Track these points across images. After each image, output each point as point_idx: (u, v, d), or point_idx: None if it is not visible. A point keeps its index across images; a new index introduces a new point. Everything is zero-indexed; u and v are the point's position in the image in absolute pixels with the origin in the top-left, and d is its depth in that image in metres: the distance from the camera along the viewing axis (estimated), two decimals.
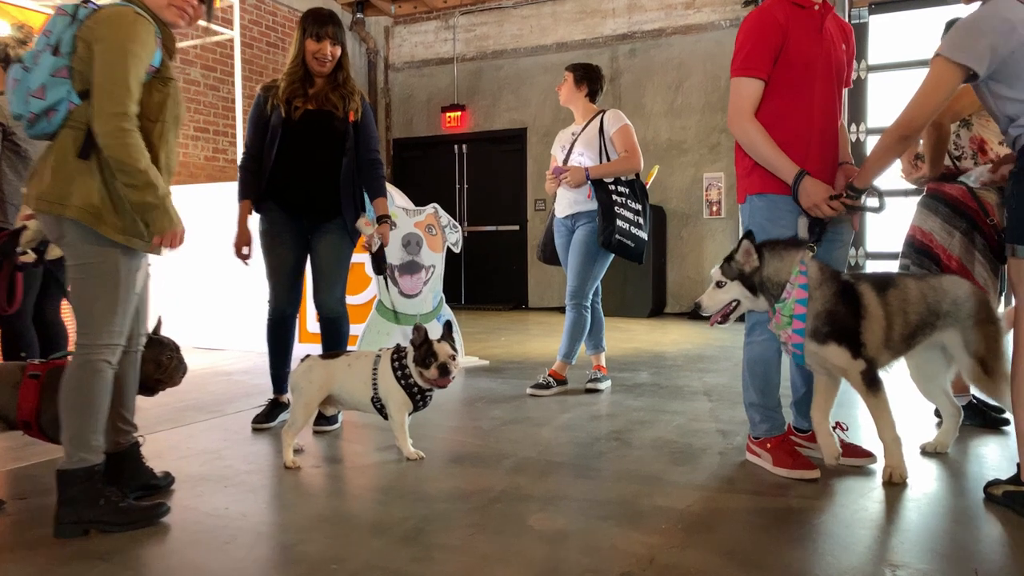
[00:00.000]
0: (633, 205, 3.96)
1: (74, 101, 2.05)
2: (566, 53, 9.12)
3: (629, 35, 9.01)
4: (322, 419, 3.23)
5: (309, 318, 5.13)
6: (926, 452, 2.84)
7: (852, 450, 2.69)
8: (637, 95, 8.93)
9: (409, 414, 2.81)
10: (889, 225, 6.35)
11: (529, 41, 9.55)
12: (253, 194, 3.27)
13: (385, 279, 3.54)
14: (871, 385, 2.46)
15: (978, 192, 3.09)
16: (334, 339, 3.31)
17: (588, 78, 4.11)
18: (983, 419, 3.23)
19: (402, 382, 2.74)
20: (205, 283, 5.81)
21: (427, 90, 10.20)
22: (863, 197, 2.47)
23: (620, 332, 6.85)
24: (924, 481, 2.52)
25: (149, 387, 2.55)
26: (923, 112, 2.27)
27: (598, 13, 9.16)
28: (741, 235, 2.51)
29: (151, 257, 2.28)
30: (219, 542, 2.04)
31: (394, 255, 4.77)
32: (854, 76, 2.94)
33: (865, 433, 3.03)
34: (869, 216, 2.61)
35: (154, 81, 2.13)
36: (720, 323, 2.55)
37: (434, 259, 5.03)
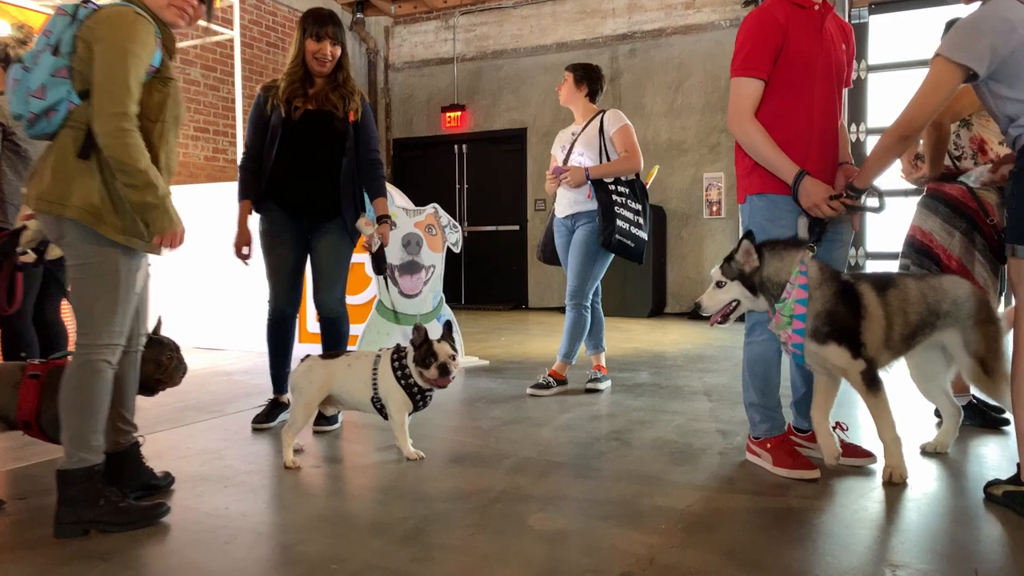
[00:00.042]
0: (633, 205, 3.96)
1: (74, 101, 2.05)
2: (566, 53, 9.12)
3: (629, 35, 9.01)
4: (322, 419, 3.23)
5: (309, 318, 5.13)
6: (926, 452, 2.83)
7: (852, 450, 2.69)
8: (637, 95, 8.92)
9: (409, 414, 2.81)
10: (889, 225, 6.35)
11: (529, 41, 9.55)
12: (253, 194, 3.27)
13: (385, 279, 3.54)
14: (871, 385, 2.46)
15: (978, 192, 3.09)
16: (334, 339, 3.31)
17: (588, 78, 4.11)
18: (983, 419, 3.23)
19: (402, 382, 2.74)
20: (205, 283, 5.81)
21: (427, 90, 10.20)
22: (863, 197, 2.47)
23: (620, 332, 6.85)
24: (924, 481, 2.52)
25: (149, 387, 2.55)
26: (923, 112, 2.27)
27: (598, 13, 9.16)
28: (741, 235, 2.51)
29: (151, 257, 2.28)
30: (219, 542, 2.04)
31: (394, 255, 4.77)
32: (854, 76, 2.94)
33: (865, 433, 3.03)
34: (869, 216, 2.61)
35: (154, 81, 2.13)
36: (720, 323, 2.55)
37: (434, 259, 5.04)
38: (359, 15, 9.72)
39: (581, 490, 2.45)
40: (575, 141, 4.08)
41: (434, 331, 2.80)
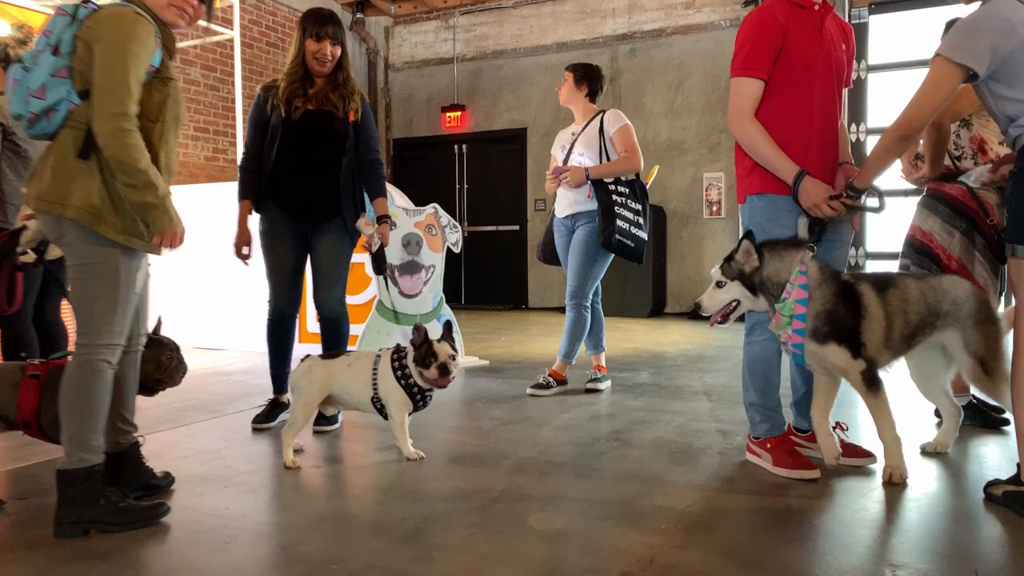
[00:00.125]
0: (633, 205, 3.95)
1: (74, 101, 2.05)
2: (566, 53, 9.12)
3: (629, 35, 9.01)
4: (322, 419, 3.23)
5: (309, 318, 5.13)
6: (926, 452, 2.83)
7: (852, 450, 2.69)
8: (637, 95, 8.92)
9: (409, 414, 2.81)
10: (889, 225, 6.35)
11: (529, 41, 9.55)
12: (253, 194, 3.27)
13: (385, 279, 3.54)
14: (871, 385, 2.46)
15: (978, 192, 3.09)
16: (334, 339, 3.31)
17: (588, 78, 4.10)
18: (983, 419, 3.23)
19: (402, 382, 2.73)
20: (205, 283, 5.81)
21: (427, 90, 10.20)
22: (863, 197, 2.47)
23: (620, 332, 6.85)
24: (924, 481, 2.52)
25: (149, 387, 2.55)
26: (923, 112, 2.27)
27: (598, 13, 9.16)
28: (741, 235, 2.51)
29: (151, 257, 2.28)
30: (219, 542, 2.04)
31: (394, 255, 4.77)
32: (854, 76, 2.94)
33: (865, 433, 3.03)
34: (869, 216, 2.61)
35: (154, 81, 2.13)
36: (720, 323, 2.55)
37: (434, 259, 5.03)
38: (359, 15, 9.72)
39: (581, 490, 2.45)
40: (575, 141, 4.08)
41: (434, 331, 2.80)
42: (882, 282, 2.54)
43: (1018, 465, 2.26)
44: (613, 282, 7.57)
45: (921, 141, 3.18)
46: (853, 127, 7.89)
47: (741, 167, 2.70)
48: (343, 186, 3.25)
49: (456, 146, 10.09)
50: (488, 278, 9.91)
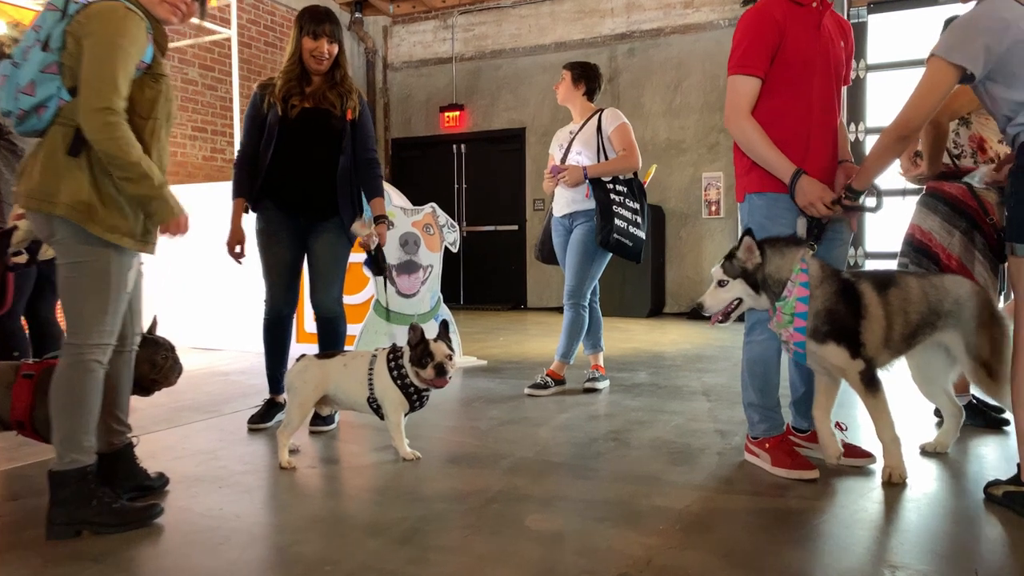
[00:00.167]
0: (631, 204, 3.94)
1: (64, 97, 2.03)
2: (565, 53, 9.11)
3: (628, 35, 9.00)
4: (318, 419, 3.21)
5: (307, 318, 5.11)
6: (926, 452, 2.82)
7: (851, 450, 2.67)
8: (636, 95, 8.91)
9: (405, 414, 2.79)
10: (888, 225, 6.34)
11: (527, 41, 9.54)
12: (247, 192, 3.25)
13: (384, 279, 3.52)
14: (869, 385, 2.45)
15: (978, 191, 3.08)
16: (331, 339, 3.30)
17: (586, 76, 4.09)
18: (983, 419, 3.22)
19: (398, 382, 2.72)
20: (202, 283, 5.79)
21: (425, 90, 10.18)
22: (862, 197, 2.46)
23: (619, 332, 6.84)
24: (924, 482, 2.50)
25: (144, 387, 2.54)
26: (920, 112, 2.26)
27: (596, 13, 9.15)
28: (741, 233, 2.49)
29: (144, 256, 2.26)
30: (213, 543, 2.02)
31: (392, 255, 4.75)
32: (853, 75, 2.92)
33: (865, 433, 3.01)
34: (868, 216, 2.59)
35: (145, 78, 2.11)
36: (721, 322, 2.53)
37: (432, 259, 5.02)
38: (357, 14, 9.71)
39: (578, 490, 2.44)
40: (573, 140, 4.07)
41: (431, 331, 2.78)
42: (883, 281, 2.52)
43: (1018, 465, 2.25)
44: (612, 282, 7.56)
45: (920, 139, 3.17)
46: (852, 126, 7.88)
47: (740, 166, 2.68)
48: (340, 185, 3.23)
49: (455, 146, 10.08)
50: (487, 278, 9.90)
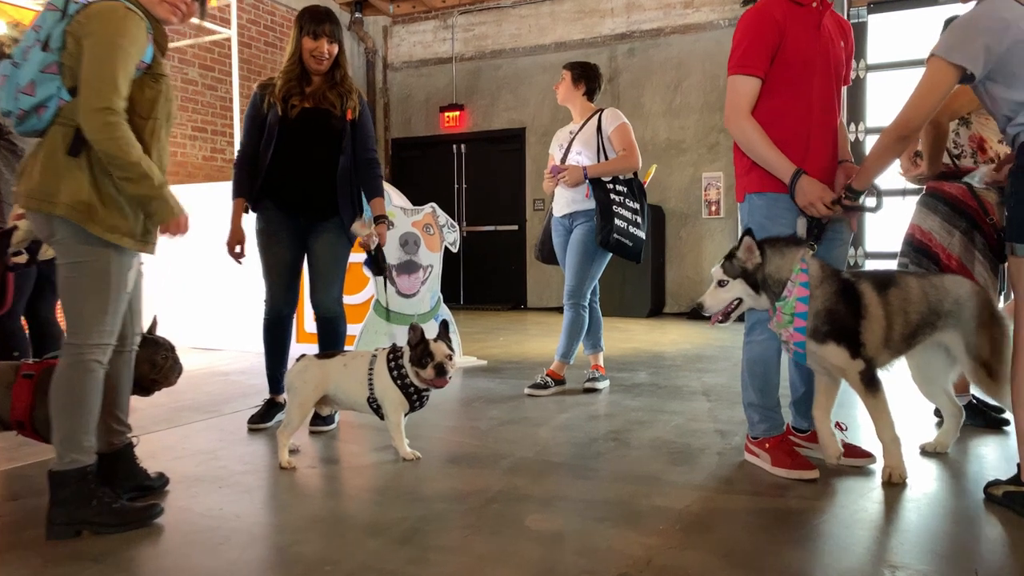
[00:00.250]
0: (631, 204, 3.94)
1: (64, 97, 2.02)
2: (564, 53, 9.11)
3: (628, 35, 9.00)
4: (318, 419, 3.21)
5: (307, 318, 5.11)
6: (926, 452, 2.82)
7: (851, 450, 2.67)
8: (636, 95, 8.91)
9: (405, 415, 2.79)
10: (888, 225, 6.34)
11: (527, 41, 9.54)
12: (247, 192, 3.25)
13: (385, 279, 3.52)
14: (869, 385, 2.45)
15: (978, 191, 3.08)
16: (331, 339, 3.29)
17: (586, 76, 4.09)
18: (983, 419, 3.22)
19: (398, 382, 2.72)
20: (202, 283, 5.79)
21: (425, 90, 10.18)
22: (862, 197, 2.45)
23: (619, 332, 6.84)
24: (924, 482, 2.50)
25: (144, 387, 2.54)
26: (920, 113, 2.26)
27: (596, 13, 9.15)
28: (741, 233, 2.49)
29: (144, 256, 2.26)
30: (213, 543, 2.02)
31: (392, 255, 4.75)
32: (853, 75, 2.92)
33: (865, 433, 3.01)
34: (868, 216, 2.59)
35: (145, 78, 2.11)
36: (721, 322, 2.53)
37: (432, 259, 5.02)
38: (357, 14, 9.71)
39: (578, 490, 2.44)
40: (573, 140, 4.06)
41: (431, 331, 2.78)
42: (883, 281, 2.52)
43: (1018, 465, 2.25)
44: (612, 282, 7.56)
45: (920, 139, 3.17)
46: (852, 126, 7.88)
47: (740, 165, 2.68)
48: (340, 185, 3.23)
49: (455, 146, 10.08)
50: (487, 278, 9.90)
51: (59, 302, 2.13)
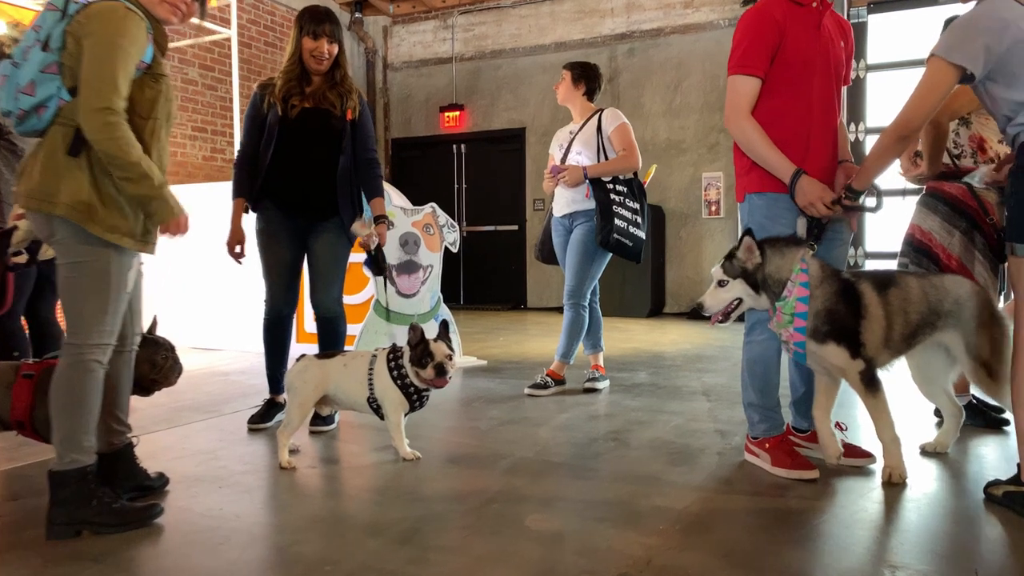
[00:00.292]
0: (631, 204, 3.94)
1: (64, 97, 2.02)
2: (565, 53, 9.11)
3: (628, 35, 8.99)
4: (318, 419, 3.21)
5: (307, 318, 5.11)
6: (926, 452, 2.82)
7: (851, 450, 2.67)
8: (636, 95, 8.91)
9: (405, 415, 2.79)
10: (888, 224, 6.34)
11: (528, 41, 9.54)
12: (247, 192, 3.25)
13: (385, 279, 3.52)
14: (869, 385, 2.45)
15: (978, 191, 3.08)
16: (331, 339, 3.29)
17: (586, 76, 4.09)
18: (983, 419, 3.22)
19: (398, 382, 2.72)
20: (203, 283, 5.79)
21: (425, 90, 10.18)
22: (862, 197, 2.45)
23: (619, 332, 6.84)
24: (924, 482, 2.50)
25: (144, 387, 2.54)
26: (920, 113, 2.26)
27: (596, 13, 9.15)
28: (741, 233, 2.49)
29: (144, 256, 2.26)
30: (213, 543, 2.02)
31: (392, 255, 4.75)
32: (853, 75, 2.92)
33: (865, 433, 3.01)
34: (868, 216, 2.59)
35: (145, 78, 2.11)
36: (721, 322, 2.53)
37: (432, 259, 5.02)
38: (357, 15, 9.71)
39: (578, 491, 2.44)
40: (573, 140, 4.06)
41: (431, 331, 2.78)
42: (883, 281, 2.52)
43: (1018, 465, 2.25)
44: (612, 282, 7.56)
45: (920, 139, 3.16)
46: (852, 126, 7.87)
47: (740, 165, 2.68)
48: (340, 185, 3.23)
49: (455, 146, 10.08)
50: (487, 278, 9.90)
51: (59, 302, 2.13)
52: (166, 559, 1.94)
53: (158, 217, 2.12)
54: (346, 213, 3.24)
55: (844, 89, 2.74)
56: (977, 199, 3.07)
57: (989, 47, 2.14)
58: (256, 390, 4.00)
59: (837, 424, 2.76)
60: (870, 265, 7.82)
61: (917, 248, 3.18)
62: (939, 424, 3.12)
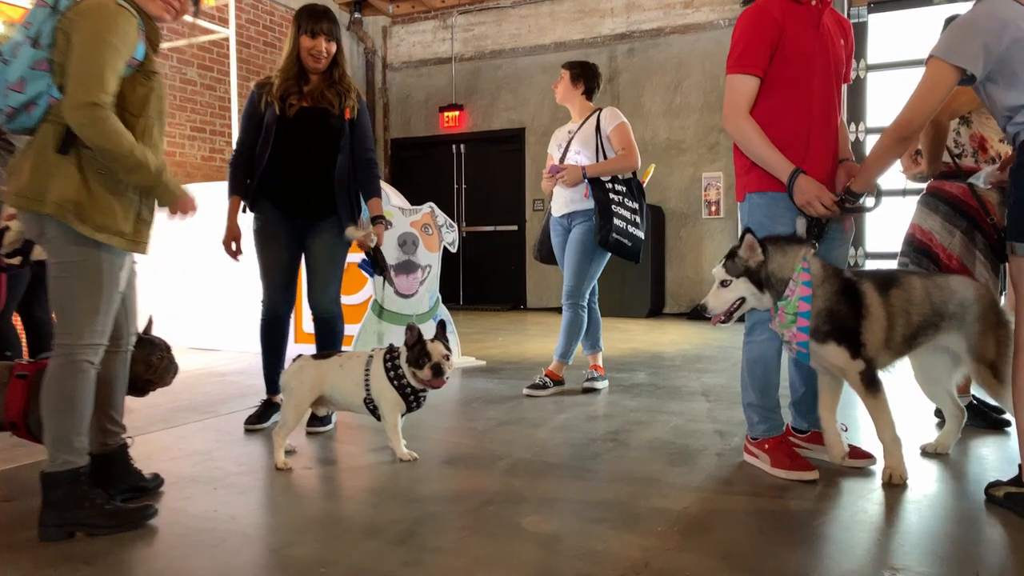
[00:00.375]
0: (630, 204, 3.92)
1: (54, 95, 2.00)
2: (564, 53, 9.09)
3: (627, 35, 8.98)
4: (315, 420, 3.20)
5: (305, 318, 5.09)
6: (926, 453, 2.80)
7: (852, 451, 2.65)
8: (635, 95, 8.90)
9: (402, 415, 2.78)
10: (888, 224, 6.32)
11: (527, 41, 9.53)
12: (243, 190, 3.24)
13: (384, 279, 3.51)
14: (870, 386, 2.43)
15: (979, 190, 3.06)
16: (328, 339, 3.28)
17: (585, 76, 4.08)
18: (984, 420, 3.20)
19: (395, 383, 2.70)
20: (200, 283, 5.77)
21: (425, 90, 10.17)
22: (862, 197, 2.44)
23: (618, 332, 6.82)
24: (924, 483, 2.49)
25: (139, 388, 2.52)
26: (920, 114, 2.25)
27: (596, 12, 9.14)
28: (741, 233, 2.48)
29: (139, 256, 2.24)
30: (207, 545, 2.00)
31: (390, 255, 4.73)
32: (853, 75, 2.90)
33: (865, 434, 3.00)
34: (868, 215, 2.58)
35: (137, 75, 2.09)
36: (723, 322, 2.51)
37: (430, 259, 5.00)
38: (357, 15, 9.70)
39: (576, 492, 2.42)
40: (571, 139, 4.05)
41: (429, 331, 2.77)
42: (885, 280, 2.50)
43: (1019, 466, 2.23)
44: (611, 282, 7.54)
45: (920, 138, 3.15)
46: (852, 126, 7.86)
47: (740, 165, 2.66)
48: (338, 184, 3.21)
49: (454, 146, 10.07)
50: (486, 278, 9.89)
51: None
52: (159, 561, 1.92)
53: (161, 202, 2.13)
54: (344, 213, 3.22)
55: (844, 88, 2.72)
56: (978, 199, 3.05)
57: (988, 47, 2.12)
58: (253, 391, 3.98)
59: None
60: (870, 265, 7.81)
61: (917, 248, 3.17)
62: (940, 425, 3.10)
